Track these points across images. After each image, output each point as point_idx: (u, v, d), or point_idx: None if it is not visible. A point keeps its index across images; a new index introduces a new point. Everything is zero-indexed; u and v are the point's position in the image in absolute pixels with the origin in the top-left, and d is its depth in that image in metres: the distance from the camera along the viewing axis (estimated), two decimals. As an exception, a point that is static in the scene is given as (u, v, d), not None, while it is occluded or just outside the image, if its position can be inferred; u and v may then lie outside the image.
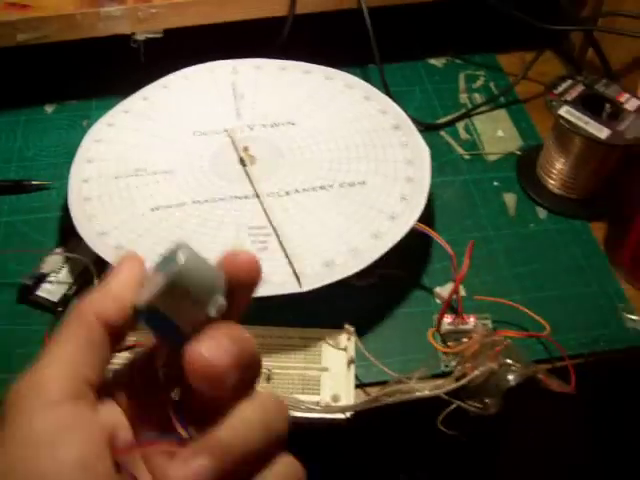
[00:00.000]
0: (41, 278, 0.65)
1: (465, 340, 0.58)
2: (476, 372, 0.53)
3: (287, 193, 0.68)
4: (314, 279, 0.60)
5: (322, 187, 0.68)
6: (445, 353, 0.60)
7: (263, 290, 0.59)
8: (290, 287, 0.59)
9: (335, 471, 0.74)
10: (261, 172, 0.70)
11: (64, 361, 0.33)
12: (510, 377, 0.53)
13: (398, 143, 0.72)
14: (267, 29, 0.82)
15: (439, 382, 0.55)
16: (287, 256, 0.62)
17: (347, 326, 0.60)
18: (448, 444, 0.56)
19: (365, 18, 0.80)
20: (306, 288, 0.59)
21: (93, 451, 0.31)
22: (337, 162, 0.71)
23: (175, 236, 0.64)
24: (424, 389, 0.53)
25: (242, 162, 0.71)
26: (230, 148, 0.73)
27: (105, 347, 0.34)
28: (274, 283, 0.60)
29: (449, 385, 0.54)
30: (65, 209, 0.70)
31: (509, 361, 0.54)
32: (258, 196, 0.68)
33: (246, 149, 0.71)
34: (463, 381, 0.53)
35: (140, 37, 0.78)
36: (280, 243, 0.63)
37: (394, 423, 0.67)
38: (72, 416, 0.32)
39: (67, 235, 0.69)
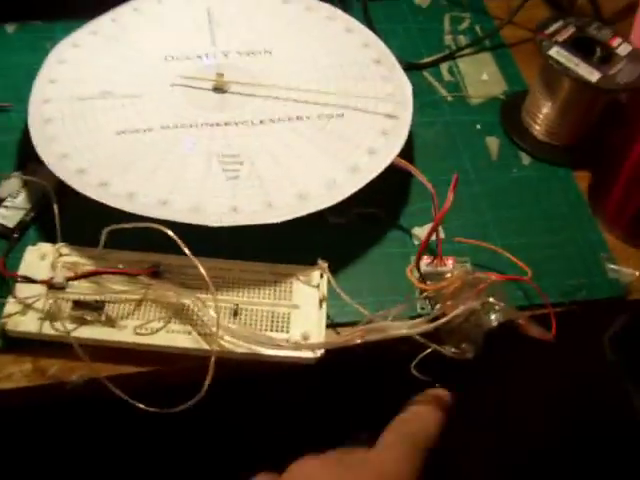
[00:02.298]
0: (-4, 202, 0.62)
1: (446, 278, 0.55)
2: (457, 310, 0.50)
3: (261, 122, 0.64)
4: (287, 210, 0.57)
5: (299, 118, 0.64)
6: (423, 294, 0.57)
7: (233, 219, 0.56)
8: (261, 217, 0.56)
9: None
10: (235, 100, 0.67)
11: None
12: (492, 317, 0.50)
13: (379, 77, 0.69)
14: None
15: (416, 321, 0.52)
16: (259, 185, 0.58)
17: (320, 262, 0.57)
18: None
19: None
20: (278, 219, 0.56)
21: None
22: (315, 93, 0.67)
23: (142, 162, 0.60)
24: (400, 328, 0.50)
25: (215, 89, 0.67)
26: (203, 74, 0.68)
27: None
28: (245, 212, 0.56)
29: (427, 324, 0.51)
30: (26, 133, 0.66)
31: (492, 300, 0.51)
32: (230, 124, 0.64)
33: (220, 75, 0.67)
34: (443, 320, 0.50)
35: (111, -45, 0.74)
36: (252, 172, 0.60)
37: (363, 369, 0.64)
38: None
39: (27, 160, 0.65)
